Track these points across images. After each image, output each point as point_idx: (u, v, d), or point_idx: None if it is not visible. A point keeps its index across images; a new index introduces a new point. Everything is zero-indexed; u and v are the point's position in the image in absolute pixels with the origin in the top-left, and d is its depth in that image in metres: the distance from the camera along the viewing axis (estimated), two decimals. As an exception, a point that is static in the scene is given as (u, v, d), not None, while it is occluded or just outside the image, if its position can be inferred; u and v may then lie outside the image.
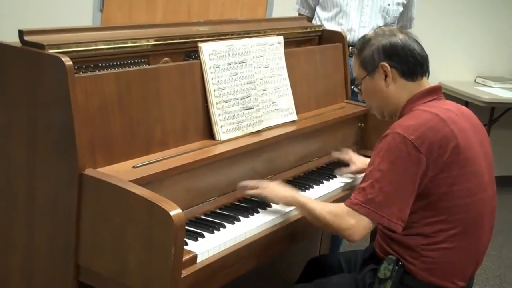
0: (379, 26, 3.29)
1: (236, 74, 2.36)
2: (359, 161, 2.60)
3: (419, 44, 2.13)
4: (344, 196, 2.44)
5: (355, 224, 1.95)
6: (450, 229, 1.99)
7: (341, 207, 2.00)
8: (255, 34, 2.61)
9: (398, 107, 2.12)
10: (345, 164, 2.62)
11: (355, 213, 1.95)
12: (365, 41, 2.16)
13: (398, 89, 2.11)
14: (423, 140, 1.93)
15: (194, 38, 2.36)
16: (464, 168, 1.98)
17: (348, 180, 2.58)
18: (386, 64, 2.09)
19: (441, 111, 2.03)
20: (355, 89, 2.24)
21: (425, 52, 2.13)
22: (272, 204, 2.24)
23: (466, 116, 2.11)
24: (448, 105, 2.11)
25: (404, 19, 3.59)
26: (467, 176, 1.99)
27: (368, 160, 2.57)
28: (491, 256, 4.12)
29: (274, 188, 2.16)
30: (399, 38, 2.11)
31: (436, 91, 2.13)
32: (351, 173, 2.58)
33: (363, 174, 2.52)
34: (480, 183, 2.03)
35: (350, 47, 3.33)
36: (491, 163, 2.12)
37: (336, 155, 2.69)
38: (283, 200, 2.14)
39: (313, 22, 3.40)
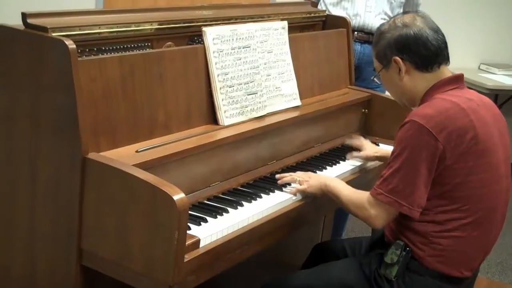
0: (385, 12, 3.31)
1: (240, 59, 2.36)
2: (370, 148, 2.63)
3: (435, 31, 2.07)
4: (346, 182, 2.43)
5: (377, 214, 2.01)
6: (462, 218, 1.98)
7: (364, 197, 2.05)
8: (259, 19, 2.60)
9: (416, 97, 2.11)
10: (356, 150, 2.68)
11: (379, 203, 2.00)
12: (379, 33, 2.14)
13: (414, 81, 2.08)
14: (441, 129, 1.92)
15: (197, 22, 2.34)
16: (481, 159, 1.97)
17: (350, 167, 2.58)
18: (398, 58, 2.07)
19: (462, 100, 2.01)
20: (376, 80, 2.24)
21: (442, 40, 2.08)
22: (275, 190, 2.24)
23: (487, 106, 2.09)
24: (470, 94, 2.08)
25: (410, 5, 3.57)
26: (484, 167, 1.98)
27: (378, 147, 2.63)
28: (493, 243, 4.13)
29: (309, 182, 2.26)
30: (412, 29, 2.05)
31: (458, 80, 2.09)
32: (361, 158, 2.62)
33: (373, 162, 2.62)
34: (496, 175, 2.02)
35: (356, 32, 3.32)
36: (508, 155, 2.10)
37: (348, 141, 2.73)
38: (318, 190, 2.23)
39: (319, 7, 3.38)
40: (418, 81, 2.09)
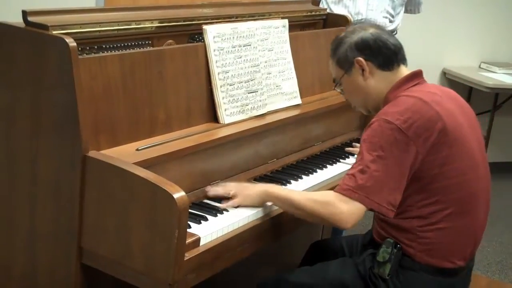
0: (387, 10, 3.31)
1: (240, 57, 2.35)
2: None
3: (391, 35, 2.16)
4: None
5: (347, 210, 1.92)
6: (444, 209, 1.99)
7: (330, 194, 1.97)
8: (259, 17, 2.60)
9: (381, 98, 2.13)
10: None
11: (347, 199, 1.93)
12: (337, 41, 2.18)
13: (377, 81, 2.12)
14: (409, 124, 1.93)
15: (198, 20, 2.34)
16: (453, 148, 1.98)
17: (350, 166, 2.58)
18: (360, 59, 2.10)
19: (424, 94, 2.03)
20: (337, 90, 2.24)
21: (399, 42, 2.15)
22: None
23: (451, 97, 2.11)
24: (431, 88, 2.12)
25: (412, 3, 3.57)
26: (457, 156, 1.99)
27: None
28: (492, 242, 4.13)
29: (243, 193, 2.08)
30: (370, 32, 2.12)
31: (418, 76, 2.13)
32: None
33: None
34: (472, 162, 2.04)
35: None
36: (481, 141, 2.13)
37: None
38: (257, 199, 2.07)
39: (320, 5, 3.38)
40: (381, 81, 2.12)
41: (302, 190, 2.16)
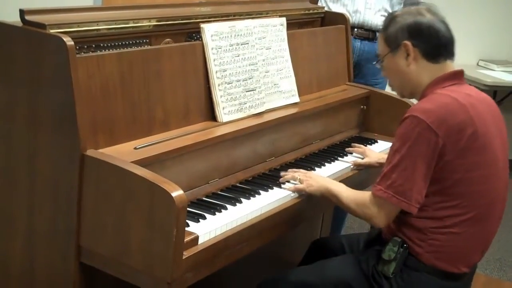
0: (385, 9, 3.30)
1: (238, 56, 2.35)
2: (373, 156, 2.61)
3: (446, 25, 2.09)
4: (342, 180, 2.43)
5: (378, 211, 1.99)
6: (462, 214, 1.98)
7: (366, 195, 2.03)
8: (257, 15, 2.60)
9: (419, 88, 2.09)
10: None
11: (379, 200, 1.98)
12: (391, 18, 2.13)
13: (419, 69, 2.07)
14: (440, 124, 1.91)
15: (196, 18, 2.34)
16: (480, 155, 1.97)
17: (349, 164, 2.58)
18: (408, 43, 2.06)
19: (461, 96, 2.00)
20: (378, 66, 2.21)
21: (451, 35, 2.09)
22: (273, 186, 2.24)
23: (485, 102, 2.09)
24: (469, 90, 2.08)
25: (410, 1, 3.56)
26: (484, 163, 1.98)
27: (381, 155, 2.58)
28: (491, 239, 4.13)
29: (308, 181, 2.22)
30: (426, 17, 2.07)
31: (458, 76, 2.09)
32: (364, 166, 2.58)
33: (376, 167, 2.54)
34: (496, 170, 2.02)
35: (356, 29, 3.31)
36: (507, 151, 2.10)
37: (351, 149, 2.70)
38: (317, 191, 2.20)
39: (319, 3, 3.38)
40: (423, 71, 2.07)
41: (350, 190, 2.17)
